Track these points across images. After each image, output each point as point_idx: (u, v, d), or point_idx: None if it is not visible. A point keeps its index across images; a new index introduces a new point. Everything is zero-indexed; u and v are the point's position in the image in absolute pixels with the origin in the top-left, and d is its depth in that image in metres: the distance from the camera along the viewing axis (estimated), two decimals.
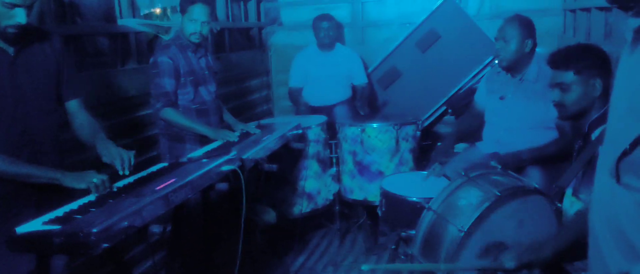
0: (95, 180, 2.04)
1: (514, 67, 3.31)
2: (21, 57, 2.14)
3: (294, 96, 4.86)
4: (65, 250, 1.76)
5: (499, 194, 2.31)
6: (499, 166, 2.75)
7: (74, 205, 2.00)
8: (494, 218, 2.29)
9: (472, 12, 4.97)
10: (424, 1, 5.04)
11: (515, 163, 3.09)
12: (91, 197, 2.10)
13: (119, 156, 2.23)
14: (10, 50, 2.11)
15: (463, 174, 2.55)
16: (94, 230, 1.72)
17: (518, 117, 3.28)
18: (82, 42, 3.27)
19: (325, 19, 4.73)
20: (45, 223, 1.85)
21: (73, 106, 2.39)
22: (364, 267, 1.69)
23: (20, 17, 2.02)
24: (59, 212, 1.95)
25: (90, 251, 1.73)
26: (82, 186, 2.04)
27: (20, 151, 2.14)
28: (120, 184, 2.26)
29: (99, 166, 2.28)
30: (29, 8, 2.05)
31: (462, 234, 2.23)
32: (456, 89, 4.83)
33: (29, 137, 2.16)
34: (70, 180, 2.05)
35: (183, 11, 3.21)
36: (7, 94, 2.07)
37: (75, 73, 2.42)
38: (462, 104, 4.57)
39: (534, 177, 3.06)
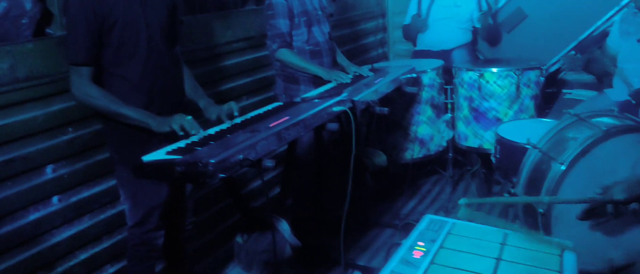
0: (179, 122, 2.11)
1: None
2: None
3: (408, 34, 4.75)
4: (186, 178, 1.88)
5: (605, 128, 2.19)
6: (616, 109, 2.59)
7: (195, 138, 2.14)
8: (599, 153, 2.20)
9: None
10: None
11: None
12: (211, 131, 2.23)
13: (221, 112, 2.35)
14: None
15: (572, 114, 2.45)
16: (212, 161, 1.82)
17: None
18: None
19: None
20: (168, 153, 1.99)
21: (178, 51, 2.51)
22: (461, 201, 1.66)
23: None
24: (181, 143, 2.09)
25: (208, 180, 1.84)
26: (167, 129, 2.13)
27: (154, 81, 2.29)
28: (237, 120, 2.38)
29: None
30: None
31: (564, 168, 2.14)
32: (588, 32, 4.46)
33: (161, 71, 2.32)
34: (157, 125, 2.15)
35: None
36: (142, 30, 2.23)
37: (181, 22, 2.53)
38: (594, 49, 4.24)
39: None
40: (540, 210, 2.22)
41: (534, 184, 2.37)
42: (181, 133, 2.11)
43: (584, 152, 2.19)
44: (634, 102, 3.18)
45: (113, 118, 2.19)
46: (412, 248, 1.49)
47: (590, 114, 2.48)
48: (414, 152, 3.95)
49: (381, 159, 3.53)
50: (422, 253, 1.47)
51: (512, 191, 2.54)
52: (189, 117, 2.16)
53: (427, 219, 1.70)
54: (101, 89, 2.16)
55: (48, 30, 2.43)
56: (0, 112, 2.17)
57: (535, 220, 2.28)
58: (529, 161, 2.44)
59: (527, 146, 2.65)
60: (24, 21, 2.29)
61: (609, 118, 2.45)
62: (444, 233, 1.59)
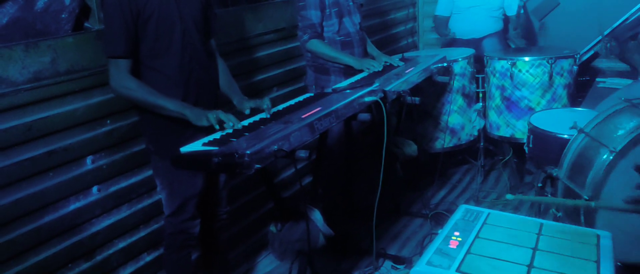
0: (213, 119, 2.13)
1: None
2: None
3: (439, 25, 4.72)
4: (222, 169, 1.92)
5: None
6: None
7: (230, 129, 2.17)
8: None
9: None
10: None
11: None
12: (245, 123, 2.26)
13: (255, 104, 2.38)
14: None
15: (623, 99, 2.39)
16: (248, 152, 1.85)
17: None
18: None
19: None
20: (205, 144, 2.03)
21: (213, 44, 2.54)
22: (509, 196, 1.66)
23: None
24: (217, 135, 2.13)
25: (244, 171, 1.87)
26: (204, 123, 2.15)
27: (190, 74, 2.33)
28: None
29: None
30: None
31: (613, 155, 2.10)
32: (622, 20, 4.37)
33: (196, 64, 2.35)
34: (194, 117, 2.17)
35: None
36: (176, 24, 2.27)
37: (215, 15, 2.55)
38: (628, 36, 4.16)
39: None
40: (585, 197, 2.17)
41: (579, 170, 2.31)
42: (218, 127, 2.14)
43: (636, 141, 2.14)
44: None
45: (150, 110, 2.23)
46: (448, 238, 1.50)
47: None
48: (444, 142, 3.94)
49: (412, 149, 3.53)
50: (458, 243, 1.48)
51: (554, 174, 2.48)
52: (227, 115, 2.19)
53: (463, 209, 1.71)
54: (139, 81, 2.21)
55: (87, 24, 2.49)
56: (43, 105, 2.23)
57: (577, 210, 2.24)
58: (575, 146, 2.38)
59: (573, 130, 2.61)
60: (63, 16, 2.35)
61: None
62: (480, 223, 1.60)
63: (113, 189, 2.55)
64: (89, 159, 2.44)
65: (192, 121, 2.18)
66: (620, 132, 2.19)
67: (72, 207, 2.38)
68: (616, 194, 2.15)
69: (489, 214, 1.68)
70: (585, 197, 2.18)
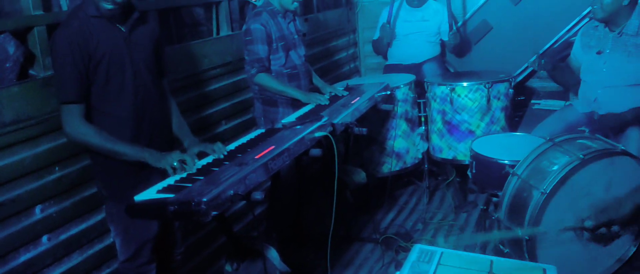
0: (174, 163, 2.17)
1: (611, 20, 3.17)
2: (133, 35, 2.31)
3: (377, 48, 4.86)
4: (179, 217, 1.91)
5: (583, 156, 2.34)
6: (587, 130, 2.76)
7: (183, 174, 2.17)
8: (578, 179, 2.35)
9: None
10: None
11: (617, 124, 3.02)
12: (198, 166, 2.27)
13: (206, 149, 2.40)
14: (124, 28, 2.28)
15: (548, 139, 2.60)
16: (204, 199, 1.84)
17: (616, 74, 3.15)
18: (180, 14, 3.44)
19: None
20: (159, 192, 2.01)
21: (165, 84, 2.55)
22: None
23: None
24: (171, 180, 2.12)
25: (201, 218, 1.86)
26: (161, 165, 2.19)
27: (143, 116, 2.34)
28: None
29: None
30: None
31: (544, 196, 2.28)
32: (550, 43, 4.64)
33: (149, 105, 2.36)
34: (153, 160, 2.21)
35: None
36: (127, 67, 2.27)
37: (164, 54, 2.57)
38: (557, 59, 4.41)
39: (634, 138, 2.97)
40: (526, 237, 2.36)
41: (517, 210, 2.49)
42: (172, 173, 2.15)
43: (563, 180, 2.34)
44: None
45: (108, 155, 2.21)
46: None
47: (564, 139, 2.61)
48: (391, 166, 4.05)
49: (361, 176, 3.61)
50: None
51: (495, 216, 2.65)
52: (187, 157, 2.20)
53: (417, 249, 1.78)
54: (94, 126, 2.20)
55: (31, 72, 2.44)
56: None
57: (520, 246, 2.41)
58: (510, 187, 2.55)
59: (511, 155, 2.83)
60: (7, 65, 2.30)
61: (583, 140, 2.59)
62: (435, 264, 1.68)
63: (63, 236, 2.50)
64: (38, 209, 2.39)
65: (151, 163, 2.19)
66: (549, 172, 2.38)
67: (23, 258, 2.32)
68: (551, 229, 2.33)
69: (442, 253, 1.76)
70: (526, 237, 2.36)
